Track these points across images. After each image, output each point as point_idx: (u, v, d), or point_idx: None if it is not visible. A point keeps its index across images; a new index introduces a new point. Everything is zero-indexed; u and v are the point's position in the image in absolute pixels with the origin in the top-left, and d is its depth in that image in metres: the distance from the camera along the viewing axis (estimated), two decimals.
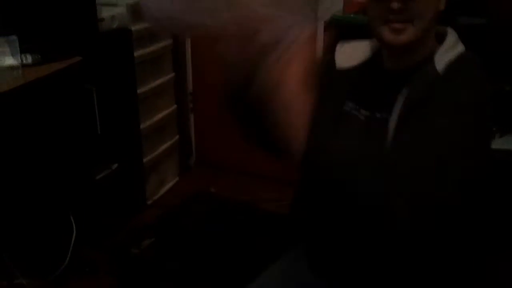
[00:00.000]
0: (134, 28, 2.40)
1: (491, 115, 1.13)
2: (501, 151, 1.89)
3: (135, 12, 2.41)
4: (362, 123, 1.21)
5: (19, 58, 1.80)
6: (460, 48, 1.19)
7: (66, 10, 1.94)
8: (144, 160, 2.64)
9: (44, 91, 1.83)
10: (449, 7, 1.20)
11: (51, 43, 1.91)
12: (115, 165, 2.37)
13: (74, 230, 2.07)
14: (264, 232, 2.00)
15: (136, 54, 2.45)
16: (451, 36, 1.21)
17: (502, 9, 1.86)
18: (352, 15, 2.16)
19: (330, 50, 1.36)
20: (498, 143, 1.91)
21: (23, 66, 1.81)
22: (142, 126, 2.58)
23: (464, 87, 1.12)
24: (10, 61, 1.78)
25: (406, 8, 1.12)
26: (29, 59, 1.85)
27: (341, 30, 2.16)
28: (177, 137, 2.97)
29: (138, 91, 2.51)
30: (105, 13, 2.21)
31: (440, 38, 1.21)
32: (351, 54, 1.32)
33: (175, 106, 2.90)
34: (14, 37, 1.80)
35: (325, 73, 1.35)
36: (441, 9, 1.18)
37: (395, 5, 1.11)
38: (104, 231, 2.28)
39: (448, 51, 1.17)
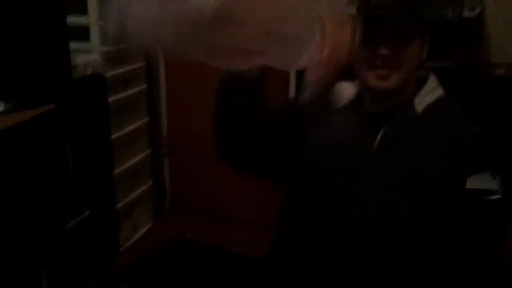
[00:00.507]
0: (108, 74, 2.42)
1: (468, 155, 1.17)
2: (470, 191, 1.93)
3: (110, 58, 2.43)
4: None
5: None
6: (439, 92, 1.24)
7: (40, 58, 1.94)
8: (117, 206, 2.60)
9: (17, 138, 1.81)
10: None
11: (25, 91, 1.90)
12: (87, 212, 2.33)
13: (45, 280, 2.01)
14: (241, 276, 1.98)
15: (110, 99, 2.45)
16: (432, 81, 1.26)
17: (466, 52, 1.93)
18: None
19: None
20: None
21: None
22: (115, 171, 2.56)
23: (438, 127, 1.15)
24: None
25: (393, 55, 1.16)
26: (1, 106, 1.83)
27: None
28: (151, 182, 2.95)
29: (112, 136, 2.50)
30: (79, 59, 2.22)
31: (422, 83, 1.26)
32: (343, 94, 1.35)
33: (149, 151, 2.90)
34: None
35: (323, 110, 1.37)
36: (423, 57, 1.23)
37: (383, 51, 1.16)
38: (75, 280, 2.22)
39: (428, 94, 1.22)
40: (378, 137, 1.20)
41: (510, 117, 1.93)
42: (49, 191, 2.04)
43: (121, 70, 2.54)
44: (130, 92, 2.64)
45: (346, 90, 1.36)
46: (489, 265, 1.97)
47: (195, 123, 2.97)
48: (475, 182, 1.93)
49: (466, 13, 1.80)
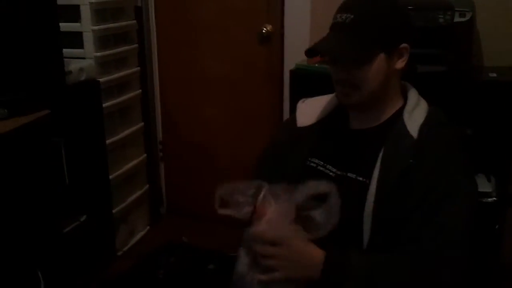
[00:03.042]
0: (102, 79, 2.42)
1: (470, 164, 1.19)
2: None
3: (104, 64, 2.43)
4: (333, 180, 1.22)
5: None
6: (423, 104, 1.24)
7: (33, 64, 1.94)
8: (114, 211, 2.61)
9: (11, 145, 1.81)
10: (410, 56, 1.25)
11: (18, 97, 1.90)
12: (84, 217, 2.34)
13: (42, 285, 2.01)
14: None
15: (105, 105, 2.45)
16: (413, 93, 1.26)
17: (459, 57, 1.93)
18: (316, 65, 2.22)
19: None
20: None
21: None
22: (111, 176, 2.56)
23: (441, 151, 1.16)
24: None
25: (349, 77, 1.19)
26: None
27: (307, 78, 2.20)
28: (147, 186, 2.95)
29: (107, 141, 2.50)
30: (72, 65, 2.22)
31: (403, 94, 1.27)
32: (312, 111, 1.36)
33: (144, 156, 2.89)
34: None
35: (287, 131, 1.38)
36: (397, 67, 1.22)
37: (339, 75, 1.20)
38: (73, 285, 2.23)
39: (415, 109, 1.22)
40: (377, 166, 1.18)
41: (503, 120, 1.93)
42: (45, 197, 2.04)
43: (115, 75, 2.54)
44: (124, 97, 2.64)
45: (317, 106, 1.38)
46: (486, 267, 1.98)
47: (190, 127, 2.97)
48: None
49: (457, 18, 1.82)
